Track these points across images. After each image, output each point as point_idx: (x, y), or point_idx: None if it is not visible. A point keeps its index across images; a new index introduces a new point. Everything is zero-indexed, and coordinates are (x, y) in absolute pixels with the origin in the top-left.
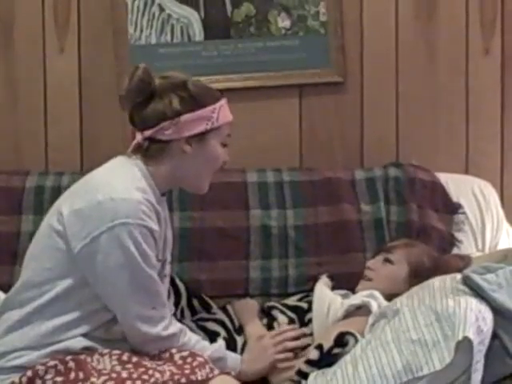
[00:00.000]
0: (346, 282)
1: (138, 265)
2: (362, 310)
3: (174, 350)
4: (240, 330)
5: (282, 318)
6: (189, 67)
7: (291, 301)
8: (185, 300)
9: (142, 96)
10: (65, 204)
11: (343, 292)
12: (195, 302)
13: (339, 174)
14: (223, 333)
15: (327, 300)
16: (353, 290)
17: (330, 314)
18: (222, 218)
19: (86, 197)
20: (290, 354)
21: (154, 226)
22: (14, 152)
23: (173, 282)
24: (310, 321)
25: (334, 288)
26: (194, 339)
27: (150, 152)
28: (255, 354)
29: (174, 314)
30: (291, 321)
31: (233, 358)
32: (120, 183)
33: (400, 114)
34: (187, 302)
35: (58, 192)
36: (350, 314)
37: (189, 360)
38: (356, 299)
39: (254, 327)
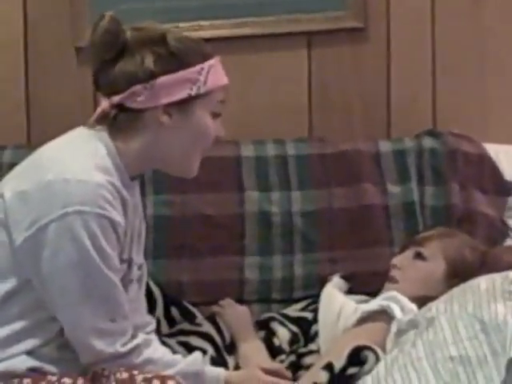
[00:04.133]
0: (366, 284)
1: (95, 264)
2: (380, 315)
3: (135, 372)
4: (231, 348)
5: (282, 331)
6: (164, 11)
7: (293, 310)
8: (161, 308)
9: (109, 52)
10: (7, 185)
11: (361, 298)
12: (174, 311)
13: (359, 145)
14: (210, 350)
15: (337, 305)
16: (375, 295)
17: (340, 323)
18: (208, 203)
19: (33, 177)
20: None
21: (118, 218)
22: None
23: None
24: (316, 334)
25: (349, 292)
26: (160, 351)
27: (118, 123)
28: None
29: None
30: (294, 335)
31: (213, 373)
32: (77, 161)
33: (437, 69)
34: (164, 311)
35: None
36: (365, 319)
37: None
38: (372, 304)
39: (251, 345)
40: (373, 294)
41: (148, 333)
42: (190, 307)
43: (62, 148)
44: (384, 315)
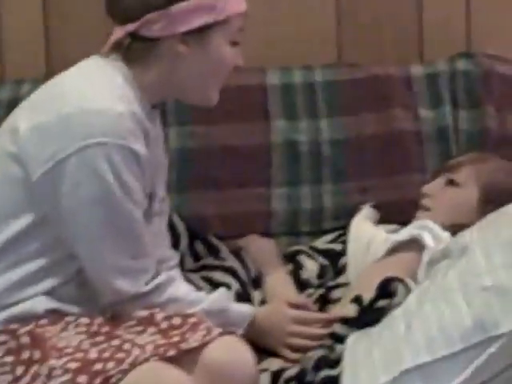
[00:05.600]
0: (398, 212)
1: (117, 199)
2: (411, 245)
3: (156, 309)
4: (257, 282)
5: (310, 265)
6: None
7: (322, 242)
8: (185, 243)
9: None
10: (21, 118)
11: (392, 227)
12: (199, 246)
13: (390, 69)
14: (235, 285)
15: (366, 236)
16: (407, 224)
17: (369, 253)
18: (233, 133)
19: (49, 108)
20: (312, 343)
21: (142, 149)
22: None
23: (169, 220)
24: (345, 267)
25: (381, 222)
26: (183, 289)
27: (133, 52)
28: (270, 323)
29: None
30: (322, 268)
31: (240, 310)
32: (96, 91)
33: None
34: (188, 245)
35: (15, 106)
36: (395, 249)
37: (177, 322)
38: (403, 233)
39: (278, 279)
40: (405, 223)
41: (171, 267)
42: (215, 241)
43: (79, 78)
44: (415, 244)
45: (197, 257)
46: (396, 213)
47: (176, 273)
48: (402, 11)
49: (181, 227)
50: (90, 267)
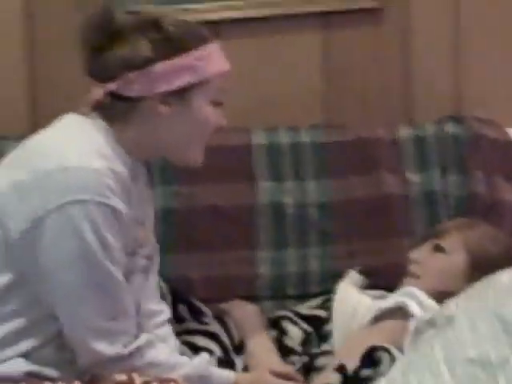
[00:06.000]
0: (385, 277)
1: (97, 258)
2: (397, 312)
3: (135, 373)
4: (240, 349)
5: (294, 331)
6: None
7: (306, 308)
8: (169, 306)
9: (102, 38)
10: (0, 176)
11: (378, 293)
12: (183, 309)
13: (377, 131)
14: (218, 351)
15: (352, 302)
16: (394, 290)
17: (354, 321)
18: (218, 194)
19: (28, 165)
20: None
21: (120, 206)
22: None
23: None
24: (330, 334)
25: (367, 287)
26: (164, 353)
27: (113, 111)
28: None
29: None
30: (306, 334)
31: (221, 376)
32: (75, 147)
33: (461, 49)
34: (172, 309)
35: None
36: (380, 317)
37: None
38: (389, 301)
39: (261, 346)
40: (392, 288)
41: (160, 323)
42: (199, 304)
43: (58, 135)
44: (401, 312)
45: (181, 320)
46: (383, 277)
47: (165, 330)
48: (389, 72)
49: (165, 289)
50: (67, 327)
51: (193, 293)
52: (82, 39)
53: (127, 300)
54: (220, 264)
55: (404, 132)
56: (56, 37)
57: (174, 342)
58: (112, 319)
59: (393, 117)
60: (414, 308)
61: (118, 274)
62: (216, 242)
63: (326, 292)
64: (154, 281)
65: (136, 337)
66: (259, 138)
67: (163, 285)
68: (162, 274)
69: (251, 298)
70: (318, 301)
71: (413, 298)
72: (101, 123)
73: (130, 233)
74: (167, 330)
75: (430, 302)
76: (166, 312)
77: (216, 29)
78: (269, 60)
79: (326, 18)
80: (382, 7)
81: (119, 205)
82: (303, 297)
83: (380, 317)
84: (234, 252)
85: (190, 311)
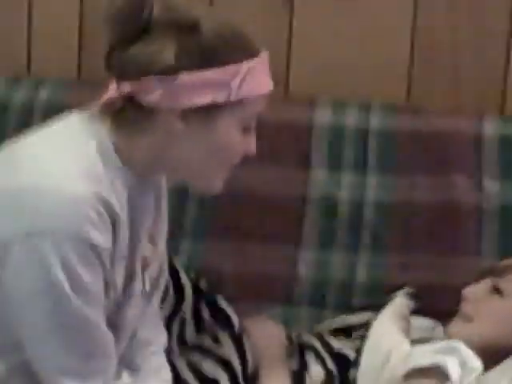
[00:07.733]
0: (443, 301)
1: (64, 297)
2: (433, 372)
3: None
4: (252, 380)
5: (316, 372)
6: None
7: (337, 342)
8: (189, 308)
9: (128, 28)
10: None
11: (424, 324)
12: (205, 312)
13: (459, 122)
14: (224, 380)
15: (385, 347)
16: (448, 316)
17: (386, 370)
18: (264, 179)
19: (4, 175)
20: None
21: (100, 240)
22: None
23: (175, 279)
24: (354, 382)
25: (418, 311)
26: None
27: (122, 117)
28: None
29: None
30: (328, 376)
31: None
32: (58, 166)
33: None
34: (193, 310)
35: None
36: (414, 374)
37: None
38: (427, 356)
39: (277, 380)
40: (446, 313)
41: (152, 352)
42: (225, 307)
43: (43, 145)
44: (437, 373)
45: (200, 323)
46: (441, 301)
47: (159, 360)
48: (485, 48)
49: (188, 288)
50: (34, 363)
51: (222, 289)
52: (108, 21)
53: (105, 339)
54: (256, 259)
55: (491, 125)
56: None
57: (167, 374)
58: (85, 359)
59: (482, 104)
60: (453, 371)
61: (93, 314)
62: (254, 234)
63: (370, 307)
64: (156, 304)
65: (116, 377)
66: (324, 115)
67: (186, 283)
68: (189, 265)
69: (287, 301)
70: (359, 317)
71: (457, 355)
72: (105, 130)
73: (118, 262)
74: (161, 361)
75: (475, 364)
76: (162, 340)
77: None
78: (343, 20)
79: None
80: None
81: (99, 239)
82: (343, 309)
83: (414, 373)
84: (273, 247)
85: (212, 314)
